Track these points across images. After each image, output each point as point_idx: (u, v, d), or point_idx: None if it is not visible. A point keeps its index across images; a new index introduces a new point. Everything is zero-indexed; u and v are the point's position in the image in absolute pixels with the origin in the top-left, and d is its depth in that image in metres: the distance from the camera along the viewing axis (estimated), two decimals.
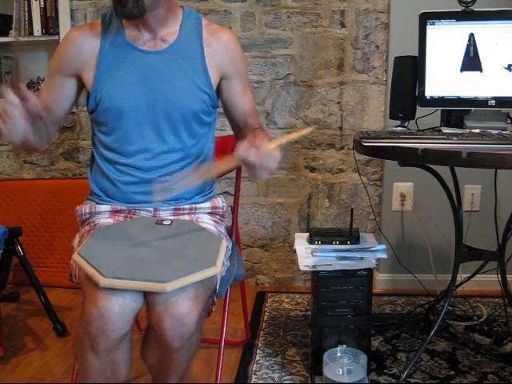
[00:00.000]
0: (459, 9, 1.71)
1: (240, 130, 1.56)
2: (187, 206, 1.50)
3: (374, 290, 1.83)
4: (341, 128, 2.50)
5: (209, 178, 1.50)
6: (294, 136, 1.27)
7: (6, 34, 2.54)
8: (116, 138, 1.44)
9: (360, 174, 2.46)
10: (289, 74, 2.48)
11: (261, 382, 1.77)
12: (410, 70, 1.80)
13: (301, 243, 1.90)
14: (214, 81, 1.47)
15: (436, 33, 1.74)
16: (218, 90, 1.50)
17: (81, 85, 1.47)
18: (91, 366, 1.19)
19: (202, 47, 1.45)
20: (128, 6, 1.32)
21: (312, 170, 2.54)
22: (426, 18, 1.74)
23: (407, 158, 1.54)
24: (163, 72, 1.42)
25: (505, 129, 1.74)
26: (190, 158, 1.48)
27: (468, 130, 1.69)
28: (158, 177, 1.45)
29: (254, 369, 1.85)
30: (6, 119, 1.16)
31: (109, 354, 1.17)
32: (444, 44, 1.74)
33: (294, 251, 1.90)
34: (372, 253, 1.80)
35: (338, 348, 1.68)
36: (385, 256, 1.81)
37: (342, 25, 2.43)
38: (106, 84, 1.41)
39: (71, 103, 1.50)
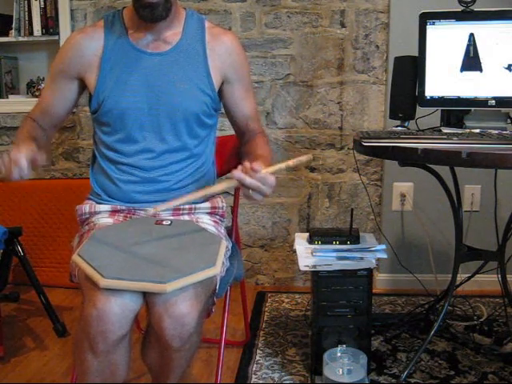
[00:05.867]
0: (459, 9, 1.71)
1: (242, 133, 1.57)
2: (187, 207, 1.50)
3: (374, 290, 1.82)
4: (341, 128, 2.50)
5: (205, 197, 1.50)
6: (292, 162, 1.27)
7: (6, 34, 2.54)
8: (118, 139, 1.45)
9: (360, 174, 2.46)
10: (289, 73, 2.48)
11: (261, 382, 1.77)
12: (410, 70, 1.80)
13: (301, 243, 1.90)
14: (216, 83, 1.47)
15: (436, 33, 1.73)
16: (220, 94, 1.50)
17: (83, 86, 1.48)
18: (90, 367, 1.19)
19: (204, 49, 1.45)
20: (158, 10, 1.35)
21: (312, 170, 2.54)
22: (426, 18, 1.74)
23: (407, 158, 1.54)
24: (166, 74, 1.42)
25: (505, 129, 1.74)
26: (191, 158, 1.49)
27: (468, 130, 1.69)
28: (158, 176, 1.46)
29: (254, 369, 1.85)
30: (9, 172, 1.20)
31: (107, 354, 1.17)
32: (444, 44, 1.74)
33: (294, 251, 1.90)
34: (372, 253, 1.80)
35: (338, 348, 1.68)
36: (385, 256, 1.81)
37: (342, 25, 2.43)
38: (108, 85, 1.41)
39: (73, 105, 1.51)
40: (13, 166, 1.19)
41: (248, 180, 1.18)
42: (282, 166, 1.25)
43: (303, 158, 1.28)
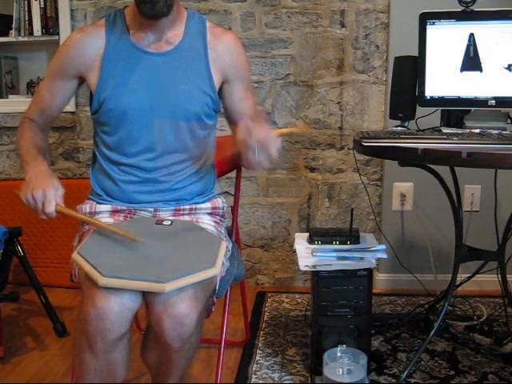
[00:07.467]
0: (459, 9, 1.71)
1: None
2: (187, 207, 1.50)
3: (374, 290, 1.82)
4: (341, 128, 2.50)
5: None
6: (295, 130, 1.29)
7: (6, 34, 2.54)
8: (118, 139, 1.45)
9: (360, 174, 2.46)
10: (289, 74, 2.48)
11: (261, 382, 1.77)
12: (410, 70, 1.80)
13: (301, 243, 1.90)
14: (217, 84, 1.47)
15: (436, 33, 1.73)
16: (220, 93, 1.50)
17: (80, 85, 1.48)
18: (89, 366, 1.19)
19: (205, 49, 1.45)
20: (159, 5, 1.33)
21: (312, 170, 2.54)
22: (426, 18, 1.74)
23: (407, 158, 1.54)
24: (167, 74, 1.42)
25: (505, 129, 1.74)
26: (191, 159, 1.49)
27: (468, 130, 1.69)
28: (159, 177, 1.46)
29: (254, 369, 1.85)
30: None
31: (106, 353, 1.17)
32: (444, 44, 1.74)
33: (294, 251, 1.90)
34: (372, 253, 1.80)
35: (338, 348, 1.68)
36: (385, 256, 1.81)
37: (342, 25, 2.43)
38: (109, 85, 1.41)
39: (67, 103, 1.52)
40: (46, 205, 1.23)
41: (254, 138, 1.19)
42: (286, 130, 1.28)
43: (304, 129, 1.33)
